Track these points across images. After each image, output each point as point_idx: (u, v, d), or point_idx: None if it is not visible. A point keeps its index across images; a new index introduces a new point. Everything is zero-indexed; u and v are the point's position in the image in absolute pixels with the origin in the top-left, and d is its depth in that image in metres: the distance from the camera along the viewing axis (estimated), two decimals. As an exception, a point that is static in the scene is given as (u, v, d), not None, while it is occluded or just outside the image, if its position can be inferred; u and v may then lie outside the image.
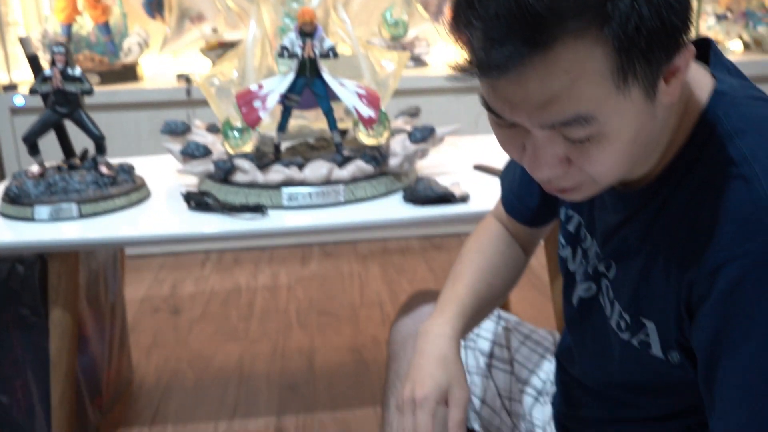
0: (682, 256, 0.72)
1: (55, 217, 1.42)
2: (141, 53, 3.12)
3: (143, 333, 2.25)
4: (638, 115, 0.65)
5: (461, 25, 0.64)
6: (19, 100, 2.86)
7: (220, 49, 2.80)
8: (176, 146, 1.60)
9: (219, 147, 1.62)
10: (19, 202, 1.44)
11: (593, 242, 0.90)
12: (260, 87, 1.45)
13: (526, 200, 1.06)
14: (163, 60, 3.39)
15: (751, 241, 0.66)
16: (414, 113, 1.79)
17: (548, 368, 1.16)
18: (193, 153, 1.57)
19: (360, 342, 2.15)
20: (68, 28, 3.08)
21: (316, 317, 2.33)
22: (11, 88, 2.92)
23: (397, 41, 1.60)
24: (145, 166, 1.75)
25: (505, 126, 0.70)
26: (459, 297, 0.99)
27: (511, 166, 1.11)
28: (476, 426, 1.22)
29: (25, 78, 3.25)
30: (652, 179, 0.76)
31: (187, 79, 2.88)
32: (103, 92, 2.82)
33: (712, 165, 0.70)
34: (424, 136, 1.56)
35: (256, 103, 1.43)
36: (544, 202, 1.04)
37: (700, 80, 0.75)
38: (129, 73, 3.08)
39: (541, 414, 1.13)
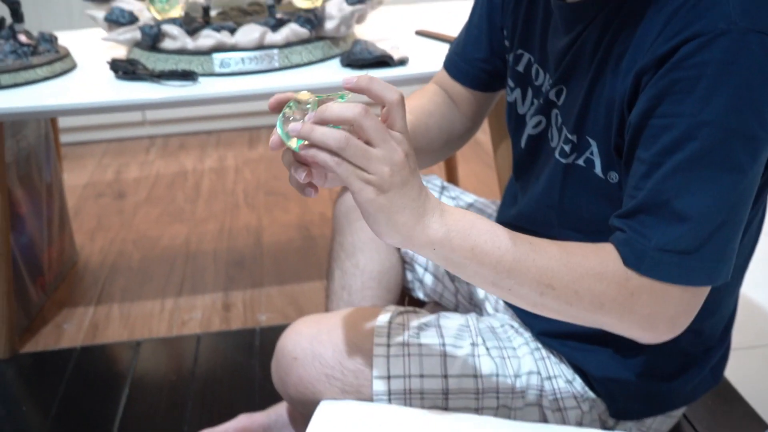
0: (633, 52, 0.71)
1: (-28, 89, 1.35)
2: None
3: (87, 217, 2.21)
4: None
5: None
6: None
7: None
8: (100, 13, 1.51)
9: (147, 14, 1.54)
10: (-68, 73, 1.35)
11: (545, 76, 0.88)
12: (184, -57, 1.35)
13: (470, 57, 1.03)
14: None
15: (699, 21, 0.64)
16: (353, -23, 1.71)
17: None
18: (117, 19, 1.48)
19: (307, 219, 2.14)
20: None
21: (264, 197, 2.30)
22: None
23: None
24: (70, 39, 1.66)
25: None
26: None
27: (460, 34, 1.07)
28: (420, 294, 1.22)
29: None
30: None
31: (118, -48, 2.70)
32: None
33: None
34: (361, -3, 1.49)
35: (180, -39, 1.34)
36: (491, 56, 1.01)
37: None
38: (55, -53, 2.88)
39: (482, 275, 1.13)
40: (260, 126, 2.96)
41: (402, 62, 1.39)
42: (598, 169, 0.79)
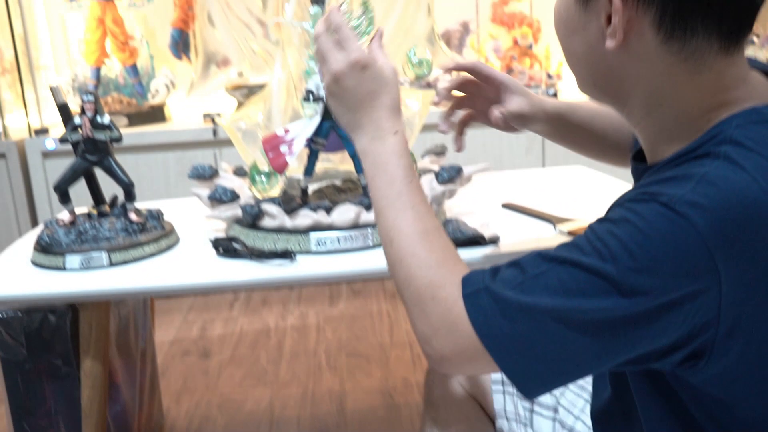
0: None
1: (86, 266, 1.42)
2: (168, 94, 3.16)
3: (173, 377, 2.24)
4: (574, 15, 0.81)
5: None
6: (50, 144, 2.91)
7: (244, 88, 2.83)
8: (204, 191, 1.60)
9: (247, 191, 1.62)
10: (51, 251, 1.44)
11: None
12: (286, 131, 1.44)
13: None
14: (190, 100, 3.43)
15: (664, 187, 0.71)
16: (440, 152, 1.78)
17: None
18: (220, 198, 1.57)
19: (391, 384, 2.12)
20: (97, 71, 3.13)
21: (346, 359, 2.30)
22: (42, 132, 2.97)
23: (421, 80, 1.59)
24: (172, 209, 1.75)
25: None
26: None
27: None
28: (514, 478, 1.18)
29: (55, 121, 3.31)
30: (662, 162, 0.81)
31: (213, 119, 2.90)
32: (131, 134, 2.86)
33: (688, 158, 0.75)
34: (451, 176, 1.54)
35: (283, 148, 1.43)
36: None
37: (754, 95, 0.77)
38: (157, 114, 3.12)
39: (586, 460, 1.09)
40: (340, 281, 3.01)
41: (493, 241, 1.41)
42: None
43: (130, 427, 1.73)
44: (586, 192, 1.73)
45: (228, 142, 2.90)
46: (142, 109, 3.11)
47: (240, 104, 2.86)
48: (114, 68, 3.17)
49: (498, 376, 1.20)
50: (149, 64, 3.16)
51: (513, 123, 1.18)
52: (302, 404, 2.02)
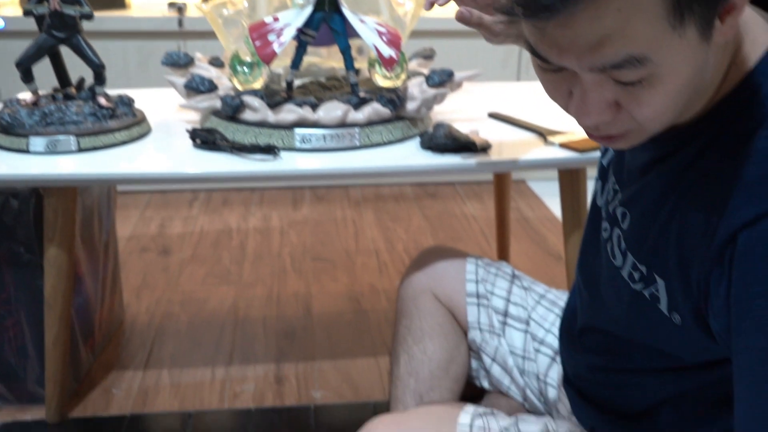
0: (700, 224, 0.66)
1: (52, 150, 1.33)
2: (129, -21, 2.96)
3: (132, 273, 2.18)
4: (693, 56, 0.60)
5: None
6: (-1, 23, 2.71)
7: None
8: (179, 79, 1.51)
9: (224, 82, 1.53)
10: (13, 132, 1.34)
11: (616, 185, 0.84)
12: (275, 19, 1.35)
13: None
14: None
15: (760, 205, 0.61)
16: (428, 55, 1.71)
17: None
18: (198, 87, 1.48)
19: (357, 290, 2.10)
20: (51, -52, 2.90)
21: (311, 263, 2.27)
22: (-9, 9, 2.76)
23: (416, -22, 1.51)
24: (142, 99, 1.65)
25: (550, 71, 0.65)
26: None
27: None
28: (485, 383, 1.19)
29: None
30: (689, 123, 0.70)
31: (179, 9, 2.74)
32: (89, 19, 2.68)
33: (748, 126, 0.65)
34: (442, 80, 1.49)
35: (271, 37, 1.34)
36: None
37: (757, 32, 0.68)
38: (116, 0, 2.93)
39: (556, 374, 1.10)
40: (303, 186, 2.95)
41: (484, 149, 1.37)
42: (663, 307, 0.74)
43: (92, 321, 1.69)
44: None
45: (194, 35, 2.75)
46: (100, -8, 2.92)
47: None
48: (69, -55, 2.94)
49: (473, 288, 1.19)
50: (108, -57, 2.94)
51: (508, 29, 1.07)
52: (267, 305, 1.99)
